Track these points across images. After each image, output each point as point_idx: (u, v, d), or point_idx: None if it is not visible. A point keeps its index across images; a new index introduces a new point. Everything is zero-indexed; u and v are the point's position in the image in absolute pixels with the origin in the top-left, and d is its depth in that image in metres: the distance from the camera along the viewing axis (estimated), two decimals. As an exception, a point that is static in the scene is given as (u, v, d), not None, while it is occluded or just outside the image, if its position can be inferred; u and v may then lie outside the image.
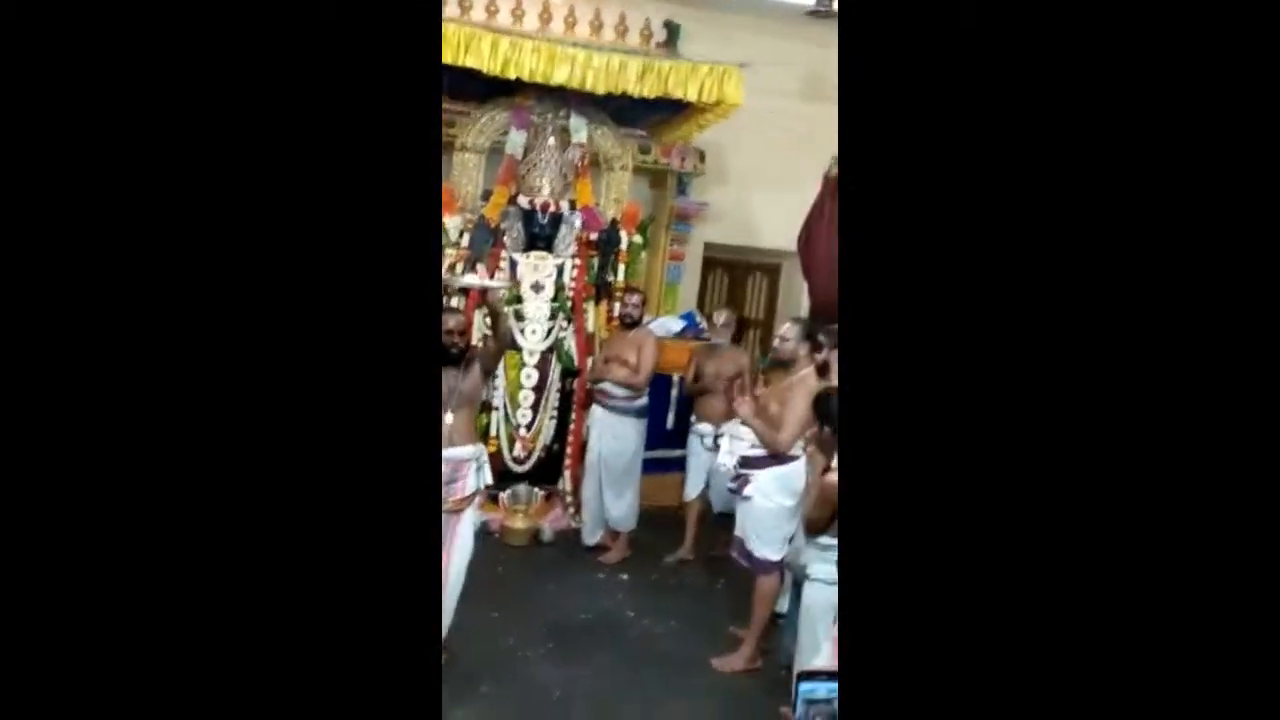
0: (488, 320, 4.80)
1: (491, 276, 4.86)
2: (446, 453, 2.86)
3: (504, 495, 4.74)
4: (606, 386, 4.59)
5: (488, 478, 3.21)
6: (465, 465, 3.08)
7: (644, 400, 4.64)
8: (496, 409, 4.86)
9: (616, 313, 4.85)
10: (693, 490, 4.66)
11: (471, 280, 3.80)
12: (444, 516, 2.80)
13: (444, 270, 4.95)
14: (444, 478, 2.87)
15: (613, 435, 4.58)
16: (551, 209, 4.96)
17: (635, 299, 4.67)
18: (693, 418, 4.76)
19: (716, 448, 4.05)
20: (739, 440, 3.68)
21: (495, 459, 4.36)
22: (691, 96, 4.59)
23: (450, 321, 3.12)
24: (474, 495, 3.14)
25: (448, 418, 2.99)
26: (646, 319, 5.02)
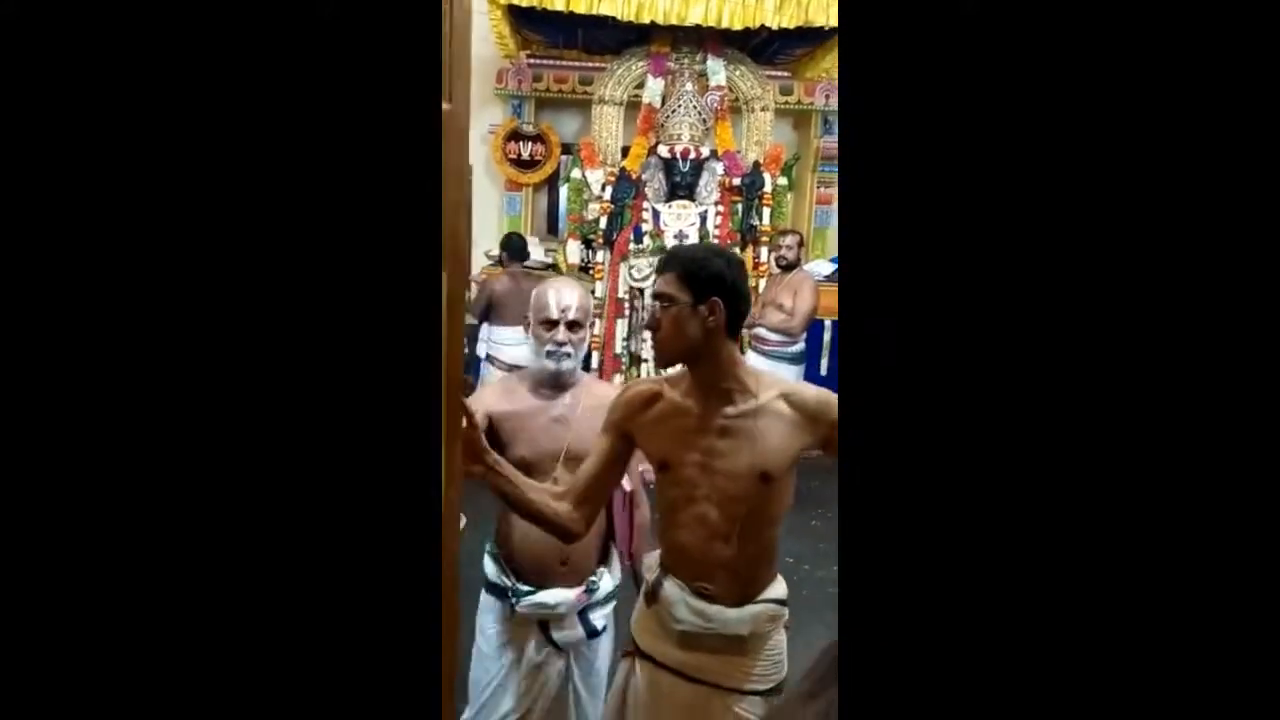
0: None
1: (636, 228, 4.84)
2: None
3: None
4: (761, 332, 4.45)
5: None
6: None
7: (800, 346, 4.47)
8: (646, 360, 4.83)
9: (764, 257, 4.68)
10: None
11: None
12: None
13: (588, 223, 4.95)
14: None
15: (768, 382, 4.47)
16: (692, 156, 4.84)
17: (790, 240, 4.47)
18: None
19: None
20: None
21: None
22: (835, 21, 4.35)
23: None
24: None
25: None
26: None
